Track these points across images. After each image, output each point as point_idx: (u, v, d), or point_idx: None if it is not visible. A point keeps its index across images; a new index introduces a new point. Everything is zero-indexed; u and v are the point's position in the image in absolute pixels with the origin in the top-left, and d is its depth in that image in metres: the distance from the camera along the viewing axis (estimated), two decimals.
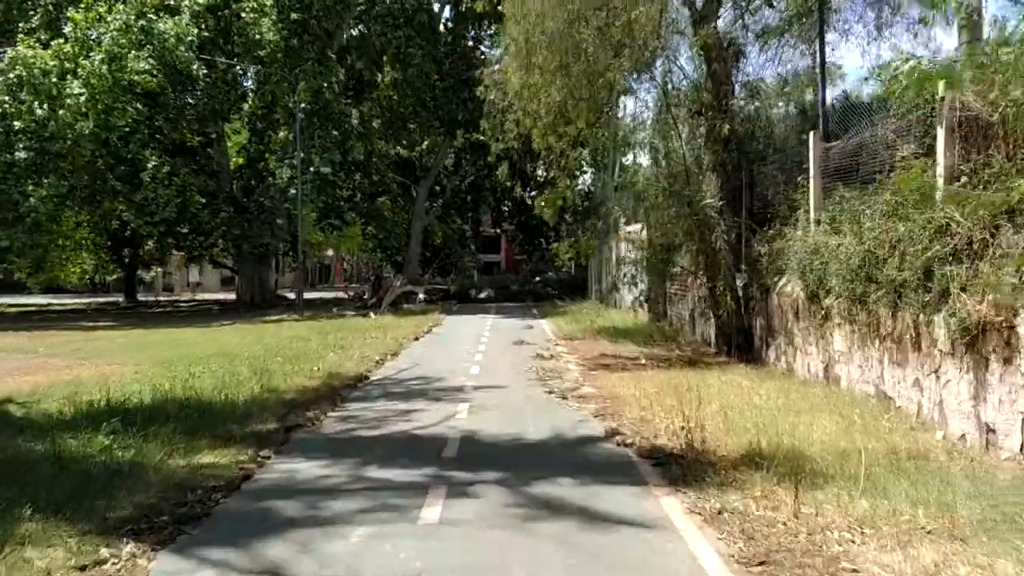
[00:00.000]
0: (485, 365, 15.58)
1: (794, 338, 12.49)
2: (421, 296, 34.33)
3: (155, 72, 31.83)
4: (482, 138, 50.63)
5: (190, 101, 33.91)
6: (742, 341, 14.62)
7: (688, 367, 13.62)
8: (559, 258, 62.90)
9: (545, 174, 22.97)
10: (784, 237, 12.72)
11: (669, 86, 16.65)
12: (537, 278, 47.65)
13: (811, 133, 12.59)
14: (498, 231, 70.28)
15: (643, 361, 14.44)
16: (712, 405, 9.24)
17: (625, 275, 23.21)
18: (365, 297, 38.47)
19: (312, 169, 34.00)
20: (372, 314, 30.65)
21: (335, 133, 34.96)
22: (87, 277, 67.57)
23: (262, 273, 42.62)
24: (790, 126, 16.19)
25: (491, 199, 52.67)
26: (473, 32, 45.09)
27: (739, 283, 14.84)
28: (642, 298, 23.31)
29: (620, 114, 22.83)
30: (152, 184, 31.93)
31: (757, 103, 16.06)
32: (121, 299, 53.81)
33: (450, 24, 42.65)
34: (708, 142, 15.35)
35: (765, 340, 13.93)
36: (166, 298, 60.35)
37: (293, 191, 33.80)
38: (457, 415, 10.40)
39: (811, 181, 12.30)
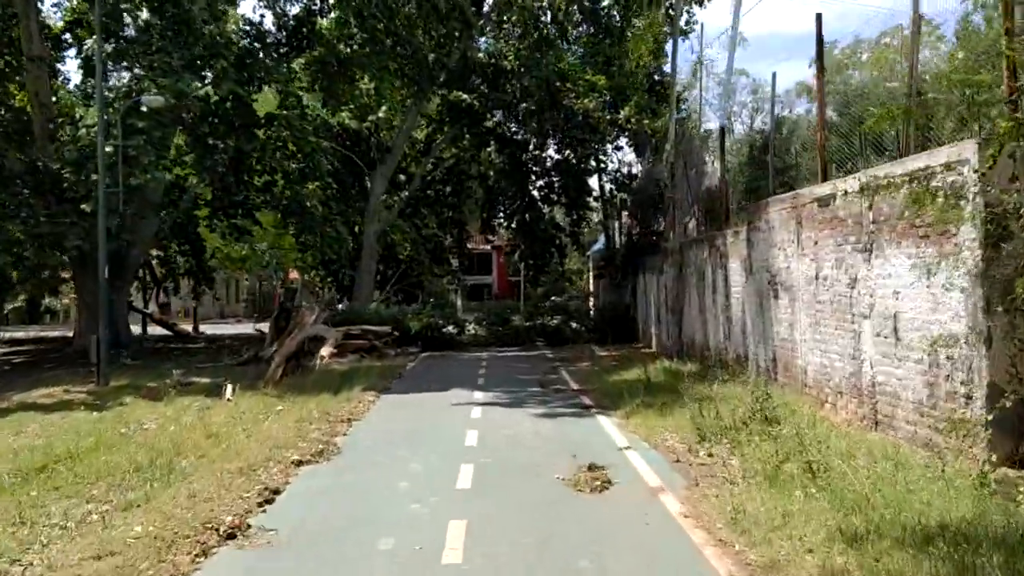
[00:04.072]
0: None
1: None
2: (324, 353, 17.95)
3: None
4: (466, 98, 34.85)
5: None
6: None
7: None
8: (572, 283, 46.73)
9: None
10: None
11: None
12: (547, 303, 31.51)
13: None
14: (489, 244, 54.19)
15: None
16: None
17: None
18: (266, 340, 22.35)
19: (144, 107, 17.99)
20: (228, 392, 14.45)
21: (197, 49, 18.96)
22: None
23: (115, 300, 26.29)
24: None
25: (479, 191, 36.57)
26: None
27: None
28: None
29: None
30: None
31: None
32: None
33: None
34: None
35: None
36: (34, 335, 43.42)
37: (107, 148, 17.75)
38: None
39: None
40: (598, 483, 7.22)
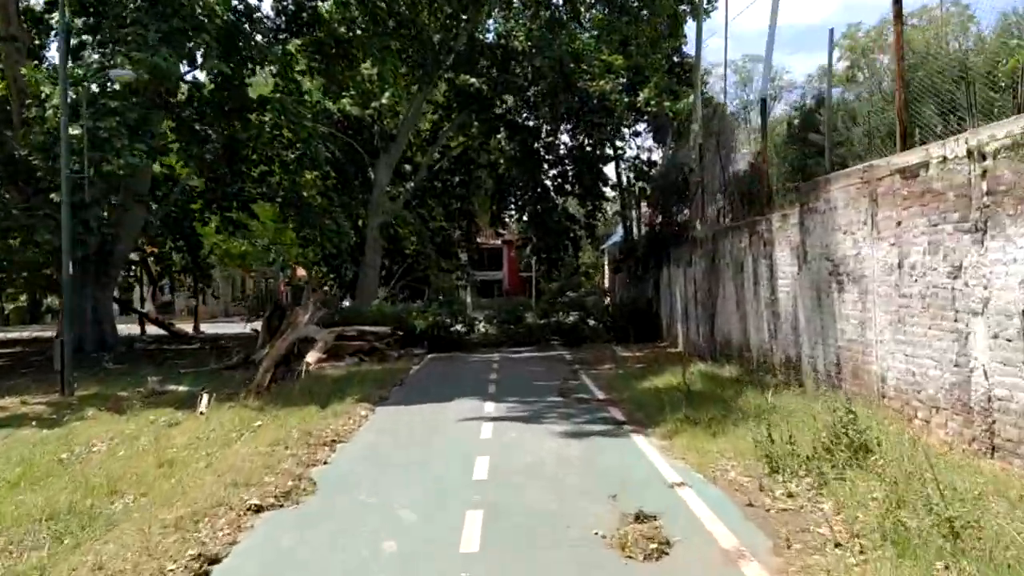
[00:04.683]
0: None
1: None
2: (309, 359, 15.93)
3: None
4: (474, 82, 32.71)
5: None
6: None
7: None
8: (589, 277, 44.63)
9: None
10: None
11: None
12: (563, 299, 29.48)
13: None
14: (499, 239, 52.26)
15: None
16: None
17: None
18: (258, 342, 20.49)
19: (112, 84, 16.21)
20: (203, 404, 12.60)
21: (175, 21, 17.06)
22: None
23: (99, 298, 24.63)
24: None
25: (489, 181, 34.62)
26: None
27: None
28: None
29: None
30: None
31: None
32: None
33: None
34: None
35: None
36: (28, 335, 41.63)
37: (75, 131, 16.00)
38: None
39: None
40: (653, 545, 5.28)
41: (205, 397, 12.91)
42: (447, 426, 10.67)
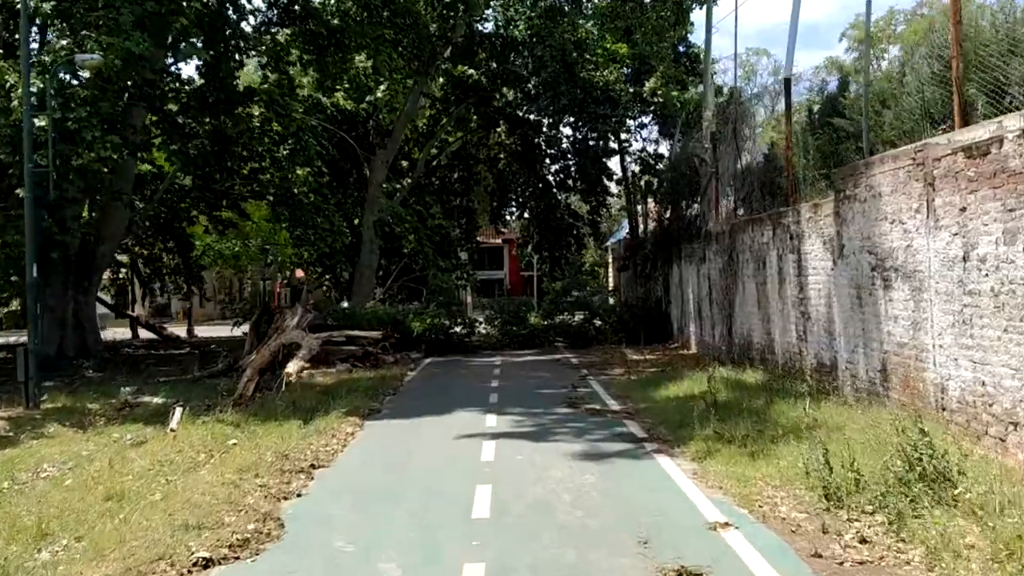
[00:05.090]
0: None
1: None
2: (290, 369, 14.54)
3: None
4: (472, 73, 31.28)
5: None
6: None
7: None
8: (595, 276, 43.30)
9: None
10: None
11: None
12: (568, 299, 28.23)
13: None
14: (500, 237, 51.02)
15: None
16: None
17: None
18: (245, 347, 19.27)
19: (86, 71, 15.03)
20: (174, 420, 11.36)
21: (146, 6, 15.78)
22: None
23: (80, 302, 23.42)
24: None
25: (488, 177, 33.32)
26: None
27: None
28: None
29: None
30: None
31: None
32: None
33: None
34: None
35: None
36: (15, 341, 40.31)
37: (42, 122, 14.81)
38: None
39: None
40: None
41: (178, 411, 11.68)
42: (443, 445, 9.43)
